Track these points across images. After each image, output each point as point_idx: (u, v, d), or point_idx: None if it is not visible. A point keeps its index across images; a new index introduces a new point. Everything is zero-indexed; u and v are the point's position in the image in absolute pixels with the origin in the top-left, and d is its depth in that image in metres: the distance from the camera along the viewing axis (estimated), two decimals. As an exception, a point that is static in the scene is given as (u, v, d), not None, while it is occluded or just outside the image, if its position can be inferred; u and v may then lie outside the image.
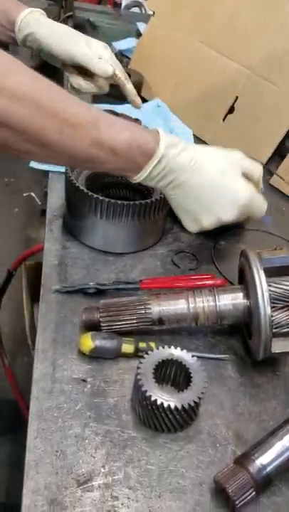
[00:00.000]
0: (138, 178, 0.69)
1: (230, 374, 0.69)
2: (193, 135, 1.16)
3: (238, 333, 0.74)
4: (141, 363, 0.60)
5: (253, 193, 0.75)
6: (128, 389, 0.64)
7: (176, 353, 0.62)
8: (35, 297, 1.48)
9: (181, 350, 0.63)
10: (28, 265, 1.33)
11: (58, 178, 0.96)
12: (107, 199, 0.76)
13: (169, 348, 0.63)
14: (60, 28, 0.91)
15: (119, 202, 0.76)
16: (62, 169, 0.86)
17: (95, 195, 0.76)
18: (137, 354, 0.67)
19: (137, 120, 1.00)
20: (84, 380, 0.64)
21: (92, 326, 0.69)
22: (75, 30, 0.93)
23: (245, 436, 0.62)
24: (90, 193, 0.77)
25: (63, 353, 0.67)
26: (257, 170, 0.78)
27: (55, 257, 0.82)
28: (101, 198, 0.76)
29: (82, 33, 0.94)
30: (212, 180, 0.71)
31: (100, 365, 0.67)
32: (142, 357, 0.63)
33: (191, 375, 0.60)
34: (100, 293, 0.76)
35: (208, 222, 0.75)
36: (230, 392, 0.67)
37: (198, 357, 0.65)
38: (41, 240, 0.84)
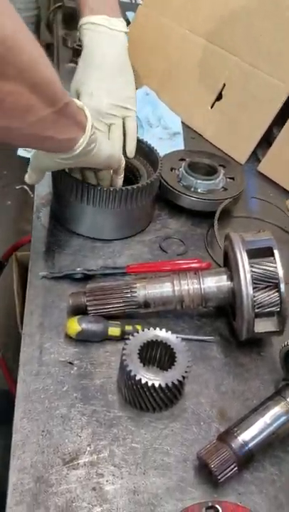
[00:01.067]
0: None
1: (215, 355, 0.70)
2: (182, 122, 1.17)
3: (223, 315, 0.75)
4: (126, 344, 0.61)
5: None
6: (114, 370, 0.65)
7: (161, 334, 0.63)
8: (25, 287, 1.49)
9: (166, 331, 0.64)
10: (20, 256, 1.34)
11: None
12: (92, 185, 0.77)
13: (154, 329, 0.64)
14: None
15: (105, 188, 0.77)
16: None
17: (82, 182, 0.77)
18: (124, 337, 0.68)
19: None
20: (71, 363, 0.65)
21: (79, 311, 0.70)
22: None
23: (228, 414, 0.63)
24: (76, 179, 0.77)
25: (50, 337, 0.68)
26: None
27: (43, 243, 0.82)
28: (87, 184, 0.77)
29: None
30: None
31: (86, 348, 0.67)
32: (128, 339, 0.64)
33: (176, 355, 0.61)
34: (87, 278, 0.76)
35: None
36: (214, 371, 0.68)
37: (183, 339, 0.66)
38: None
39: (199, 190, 0.92)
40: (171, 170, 0.95)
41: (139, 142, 0.88)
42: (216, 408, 0.64)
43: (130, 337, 0.62)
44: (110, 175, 0.82)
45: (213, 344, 0.71)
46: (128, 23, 1.57)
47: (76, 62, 1.38)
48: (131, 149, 0.86)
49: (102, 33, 0.80)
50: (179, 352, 0.61)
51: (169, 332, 0.64)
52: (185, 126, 1.17)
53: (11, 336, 1.76)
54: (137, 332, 0.64)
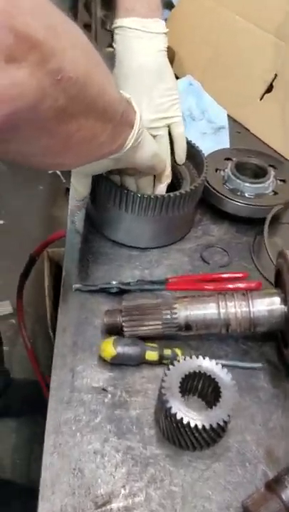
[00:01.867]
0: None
1: (263, 384, 0.64)
2: (228, 115, 1.08)
3: (272, 339, 0.68)
4: (166, 375, 0.56)
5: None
6: (151, 400, 0.60)
7: (205, 364, 0.57)
8: (57, 285, 1.46)
9: (210, 360, 0.58)
10: (51, 252, 1.29)
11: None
12: (132, 192, 0.70)
13: (197, 358, 0.58)
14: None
15: (146, 195, 0.70)
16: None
17: (121, 188, 0.71)
18: (162, 361, 0.62)
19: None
20: (104, 389, 0.60)
21: (114, 330, 0.64)
22: None
23: (276, 454, 0.57)
24: (114, 184, 0.71)
25: (83, 358, 0.63)
26: None
27: (77, 251, 0.77)
28: (127, 190, 0.71)
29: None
30: None
31: (121, 372, 0.62)
32: (167, 364, 0.58)
33: (221, 389, 0.55)
34: (123, 292, 0.71)
35: None
36: (261, 404, 0.62)
37: (227, 366, 0.60)
38: (65, 219, 0.80)
39: (246, 195, 0.84)
40: (216, 171, 0.88)
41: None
42: (262, 447, 0.58)
43: (170, 367, 0.57)
44: (152, 183, 0.75)
45: (260, 372, 0.65)
46: (172, 6, 1.48)
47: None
48: (180, 155, 0.78)
49: (135, 38, 0.70)
50: (225, 387, 0.55)
51: (214, 361, 0.58)
52: (231, 119, 1.08)
53: (40, 325, 1.76)
54: (177, 359, 0.58)
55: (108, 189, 0.72)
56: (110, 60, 0.78)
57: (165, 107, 0.73)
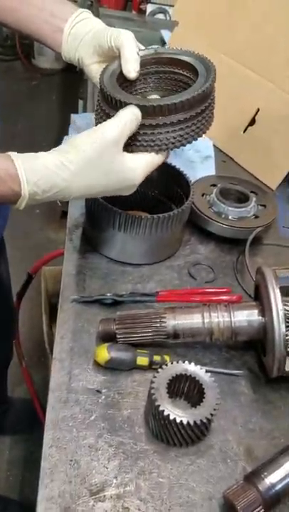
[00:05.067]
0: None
1: (244, 390, 0.70)
2: (214, 146, 1.17)
3: (252, 348, 0.75)
4: (155, 377, 0.62)
5: (142, 162, 0.68)
6: (142, 401, 0.65)
7: (190, 368, 0.63)
8: (53, 303, 1.51)
9: (195, 365, 0.64)
10: (48, 271, 1.35)
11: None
12: (125, 212, 0.78)
13: (183, 362, 0.64)
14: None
15: (137, 216, 0.77)
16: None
17: (114, 209, 0.78)
18: (152, 367, 0.68)
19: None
20: (99, 391, 0.66)
21: (108, 337, 0.70)
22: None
23: (256, 452, 0.63)
24: (109, 206, 0.78)
25: (79, 363, 0.69)
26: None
27: (74, 266, 0.84)
28: (120, 211, 0.78)
29: None
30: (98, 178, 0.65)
31: (114, 376, 0.68)
32: (157, 370, 0.64)
33: (205, 391, 0.61)
34: (116, 304, 0.77)
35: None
36: (242, 408, 0.68)
37: (211, 372, 0.66)
38: (61, 242, 0.85)
39: (230, 217, 0.92)
40: (203, 195, 0.96)
41: (171, 168, 0.88)
42: (243, 446, 0.63)
43: (159, 370, 0.63)
44: None
45: (242, 378, 0.71)
46: (163, 42, 1.59)
47: None
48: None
49: None
50: (208, 388, 0.61)
51: (198, 366, 0.64)
52: (217, 149, 1.17)
53: (35, 345, 1.79)
54: (166, 364, 0.64)
55: (101, 210, 0.79)
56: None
57: None
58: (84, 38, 0.76)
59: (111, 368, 0.68)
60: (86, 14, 0.78)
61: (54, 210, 2.59)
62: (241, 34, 1.16)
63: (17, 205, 0.64)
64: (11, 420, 1.67)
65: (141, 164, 0.68)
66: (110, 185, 0.67)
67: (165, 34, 1.63)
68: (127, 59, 0.71)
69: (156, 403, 0.59)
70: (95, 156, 0.63)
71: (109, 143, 0.63)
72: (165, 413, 0.58)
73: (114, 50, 0.72)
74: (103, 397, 0.65)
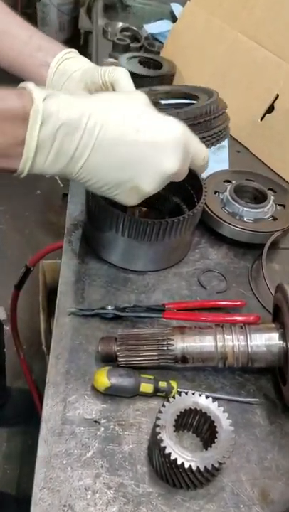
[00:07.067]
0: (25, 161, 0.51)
1: (259, 420, 0.63)
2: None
3: (269, 372, 0.67)
4: (161, 412, 0.54)
5: (186, 129, 0.57)
6: (145, 434, 0.58)
7: (201, 401, 0.56)
8: (52, 297, 1.45)
9: (207, 397, 0.56)
10: (46, 264, 1.28)
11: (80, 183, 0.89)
12: (130, 216, 0.69)
13: (193, 394, 0.56)
14: None
15: (143, 220, 0.69)
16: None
17: (117, 211, 0.69)
18: (157, 394, 0.61)
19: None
20: (97, 422, 0.59)
21: (108, 358, 0.63)
22: None
23: (271, 495, 0.56)
24: (111, 208, 0.70)
25: (76, 388, 0.62)
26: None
27: (72, 272, 0.76)
28: (123, 214, 0.69)
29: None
30: (125, 133, 0.53)
31: (115, 403, 0.61)
32: (162, 397, 0.57)
33: (217, 429, 0.54)
34: (118, 317, 0.70)
35: (149, 185, 0.57)
36: (257, 441, 0.61)
37: (223, 399, 0.59)
38: (61, 226, 0.78)
39: (245, 219, 0.83)
40: (215, 193, 0.87)
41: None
42: (257, 488, 0.56)
43: (165, 403, 0.55)
44: None
45: (257, 407, 0.64)
46: (173, 16, 1.47)
47: (116, 58, 1.28)
48: None
49: None
50: (221, 426, 0.54)
51: (210, 399, 0.56)
52: (231, 138, 1.07)
53: (33, 335, 1.74)
54: (173, 396, 0.57)
55: (102, 211, 0.70)
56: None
57: None
58: (72, 75, 0.74)
59: (111, 394, 0.61)
60: (75, 53, 0.77)
61: (55, 192, 2.50)
62: (258, 10, 1.05)
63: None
64: (8, 412, 1.63)
65: None
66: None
67: (175, 7, 1.51)
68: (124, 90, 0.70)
69: (162, 444, 0.52)
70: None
71: None
72: (172, 457, 0.51)
73: (107, 86, 0.71)
74: (102, 429, 0.58)
